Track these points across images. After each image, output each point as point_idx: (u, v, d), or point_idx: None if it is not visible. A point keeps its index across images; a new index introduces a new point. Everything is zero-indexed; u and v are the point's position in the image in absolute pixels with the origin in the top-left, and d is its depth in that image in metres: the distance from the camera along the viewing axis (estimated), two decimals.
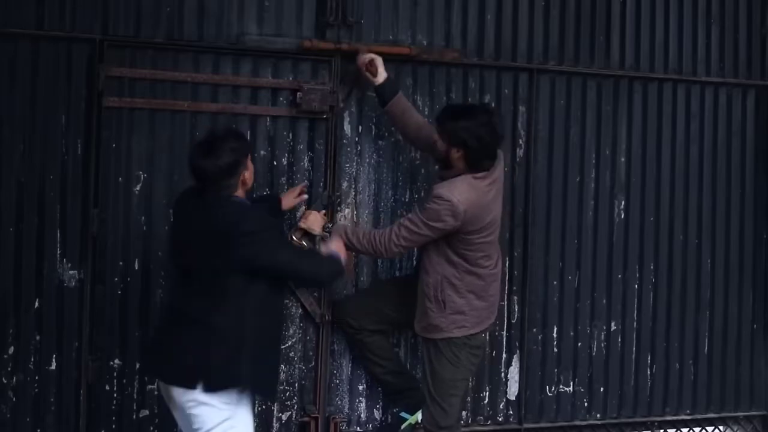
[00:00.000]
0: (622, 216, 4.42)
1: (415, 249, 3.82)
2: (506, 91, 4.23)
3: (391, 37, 4.05)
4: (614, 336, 4.42)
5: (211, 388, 3.05)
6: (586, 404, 4.38)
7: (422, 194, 4.04)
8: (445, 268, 3.57)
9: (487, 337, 4.04)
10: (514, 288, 4.24)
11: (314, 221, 3.73)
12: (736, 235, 4.61)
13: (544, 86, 4.29)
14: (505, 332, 4.24)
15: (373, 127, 4.05)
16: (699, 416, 4.58)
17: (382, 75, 3.78)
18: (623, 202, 4.42)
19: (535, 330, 4.29)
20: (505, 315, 4.22)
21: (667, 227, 4.49)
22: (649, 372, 4.48)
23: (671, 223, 4.50)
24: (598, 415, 4.40)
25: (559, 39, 4.31)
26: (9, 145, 3.61)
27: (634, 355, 4.45)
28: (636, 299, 4.45)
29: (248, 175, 3.20)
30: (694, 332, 4.55)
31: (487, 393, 4.23)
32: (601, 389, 4.40)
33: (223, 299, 3.08)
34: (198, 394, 3.06)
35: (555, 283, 4.32)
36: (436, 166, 3.83)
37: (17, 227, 3.63)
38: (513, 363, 4.27)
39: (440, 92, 4.11)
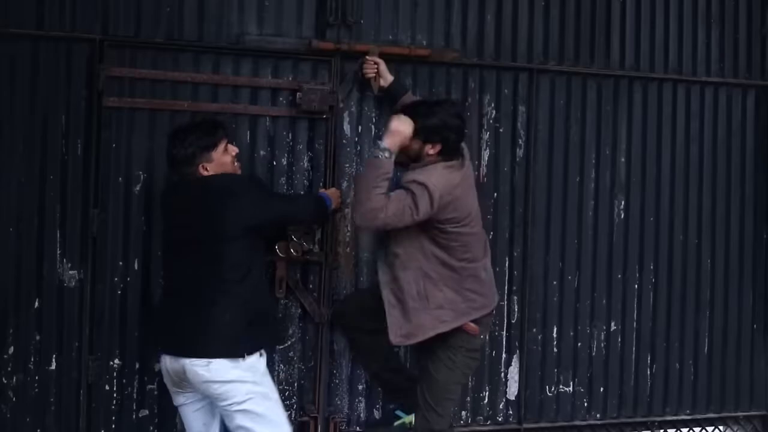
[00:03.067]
0: (622, 216, 4.42)
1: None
2: (506, 91, 4.22)
3: (390, 37, 4.05)
4: (614, 336, 4.41)
5: (239, 352, 3.22)
6: (585, 404, 4.38)
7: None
8: (421, 261, 3.50)
9: (487, 338, 4.05)
10: (514, 288, 4.24)
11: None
12: (736, 235, 4.61)
13: (544, 86, 4.29)
14: (504, 332, 4.24)
15: (372, 127, 4.05)
16: (699, 416, 4.58)
17: (388, 79, 3.86)
18: (623, 202, 4.42)
19: (534, 330, 4.29)
20: (505, 315, 4.22)
21: (667, 227, 4.49)
22: (649, 372, 4.47)
23: (671, 223, 4.50)
24: (598, 415, 4.40)
25: (559, 39, 4.31)
26: (9, 145, 3.61)
27: (634, 355, 4.44)
28: (636, 299, 4.45)
29: (209, 167, 3.34)
30: (694, 332, 4.54)
31: (487, 393, 4.23)
32: (601, 389, 4.40)
33: (228, 266, 3.24)
34: (224, 364, 3.20)
35: (555, 283, 4.31)
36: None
37: (17, 227, 3.63)
38: (513, 363, 4.27)
39: (440, 92, 4.10)
